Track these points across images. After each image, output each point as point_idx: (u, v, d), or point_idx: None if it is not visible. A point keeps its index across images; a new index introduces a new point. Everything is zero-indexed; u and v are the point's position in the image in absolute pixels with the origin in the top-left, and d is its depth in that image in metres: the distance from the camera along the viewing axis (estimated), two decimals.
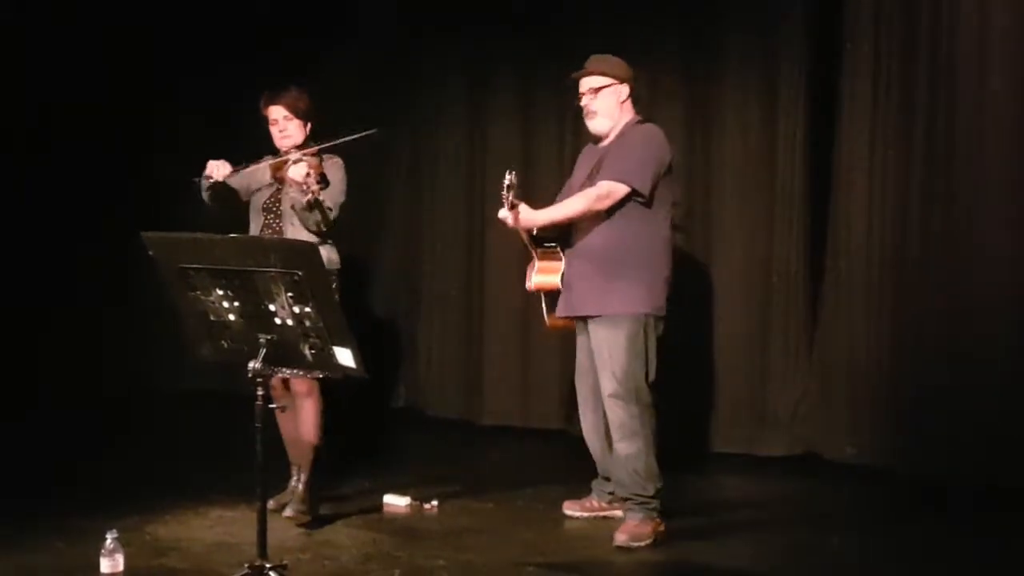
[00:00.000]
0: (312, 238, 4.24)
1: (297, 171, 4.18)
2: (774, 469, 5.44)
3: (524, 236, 4.32)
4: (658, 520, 4.21)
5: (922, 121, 5.14)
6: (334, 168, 4.42)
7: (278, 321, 3.16)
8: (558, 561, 3.97)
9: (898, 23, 5.23)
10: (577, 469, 4.75)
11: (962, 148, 5.00)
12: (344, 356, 3.13)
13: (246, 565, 3.29)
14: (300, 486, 4.50)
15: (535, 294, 4.48)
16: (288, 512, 4.40)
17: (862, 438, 5.36)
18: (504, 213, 4.13)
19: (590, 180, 4.24)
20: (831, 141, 5.49)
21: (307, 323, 3.12)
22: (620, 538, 4.12)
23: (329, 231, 4.36)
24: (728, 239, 5.74)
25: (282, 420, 4.48)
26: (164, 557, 3.89)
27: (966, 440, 4.88)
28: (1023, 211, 4.86)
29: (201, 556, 3.91)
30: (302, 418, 4.46)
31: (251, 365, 3.15)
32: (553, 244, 4.37)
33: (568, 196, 4.31)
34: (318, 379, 4.40)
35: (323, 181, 4.27)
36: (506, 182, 4.03)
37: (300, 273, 3.05)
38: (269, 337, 3.18)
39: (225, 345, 3.30)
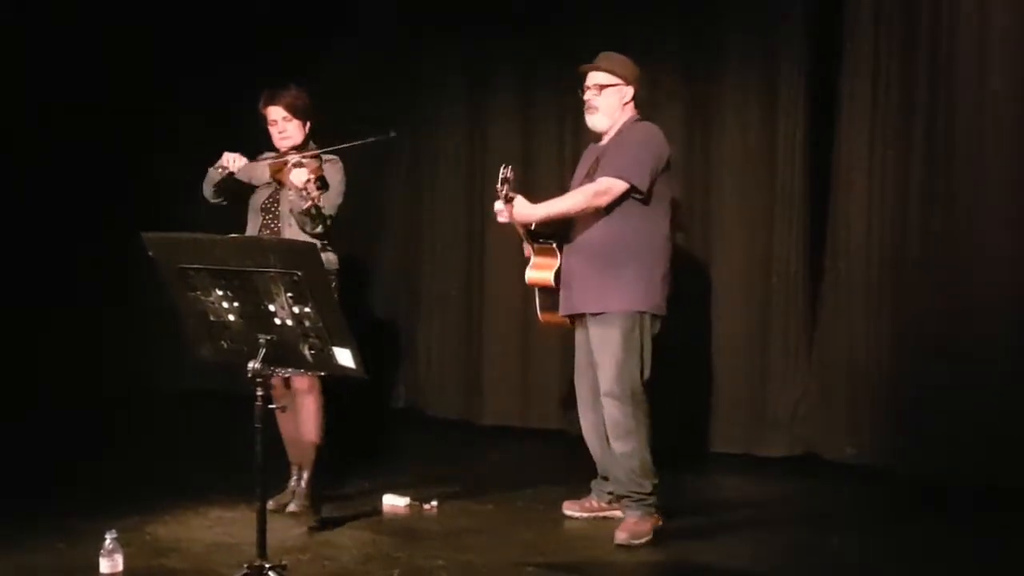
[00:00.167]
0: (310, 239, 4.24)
1: (298, 177, 4.17)
2: (774, 469, 5.44)
3: (521, 231, 4.31)
4: (656, 516, 4.22)
5: (922, 121, 5.14)
6: (333, 170, 4.41)
7: (278, 321, 3.16)
8: (558, 561, 3.96)
9: (898, 23, 5.23)
10: (577, 469, 4.75)
11: (962, 148, 5.00)
12: (344, 356, 3.13)
13: (245, 565, 3.29)
14: (303, 484, 4.51)
15: (531, 291, 4.48)
16: (293, 507, 4.42)
17: (862, 438, 5.36)
18: (500, 206, 4.13)
19: (589, 178, 4.25)
20: (831, 141, 5.49)
21: (307, 323, 3.12)
22: (620, 536, 4.12)
23: (326, 233, 4.36)
24: (728, 239, 5.74)
25: (282, 420, 4.48)
26: (164, 557, 3.89)
27: (966, 440, 4.88)
28: (1023, 211, 4.86)
29: (201, 556, 3.91)
30: (303, 417, 4.47)
31: (251, 365, 3.15)
32: (549, 240, 4.36)
33: None
34: (319, 377, 4.41)
35: (323, 186, 4.27)
36: (502, 175, 4.03)
37: (300, 273, 3.05)
38: (269, 337, 3.17)
39: (225, 345, 3.30)
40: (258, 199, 4.47)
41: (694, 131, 5.81)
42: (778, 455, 5.57)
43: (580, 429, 4.52)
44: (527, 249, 4.41)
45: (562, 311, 4.34)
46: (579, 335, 4.40)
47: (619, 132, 4.28)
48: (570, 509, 4.55)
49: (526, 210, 4.17)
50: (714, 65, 5.75)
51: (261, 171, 4.46)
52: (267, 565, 3.27)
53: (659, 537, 4.17)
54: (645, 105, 4.40)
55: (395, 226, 7.07)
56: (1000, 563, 4.02)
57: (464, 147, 6.64)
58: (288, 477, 4.59)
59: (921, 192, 5.17)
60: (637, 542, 4.11)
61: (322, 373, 4.26)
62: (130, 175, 7.16)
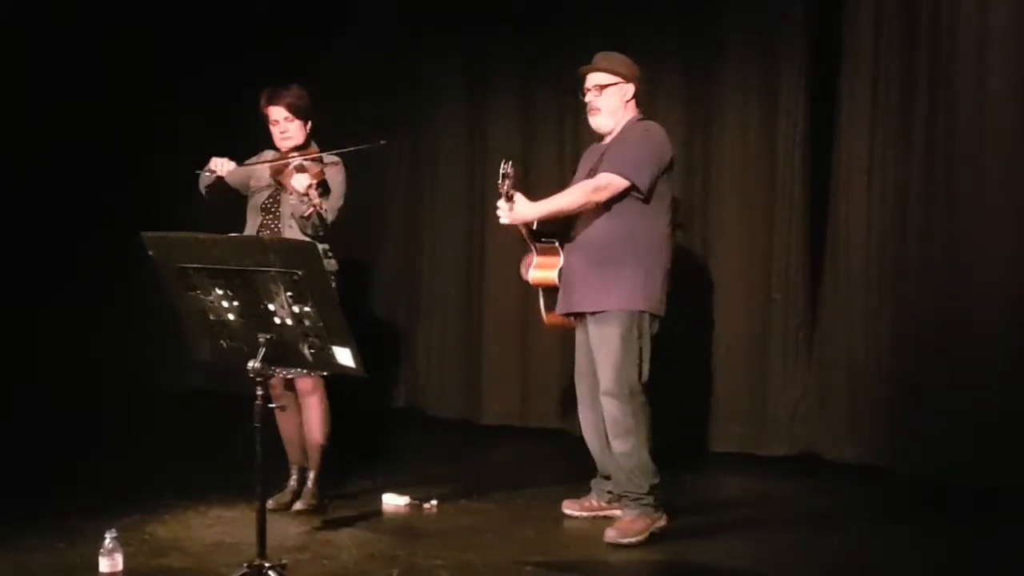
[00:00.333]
0: None
1: (300, 182, 4.16)
2: (774, 469, 5.43)
3: (523, 230, 4.29)
4: (656, 515, 4.21)
5: (922, 121, 5.14)
6: (334, 172, 4.40)
7: (277, 321, 3.16)
8: (557, 560, 3.96)
9: (898, 23, 5.23)
10: (577, 469, 4.75)
11: (962, 148, 5.00)
12: (344, 356, 3.13)
13: (245, 565, 3.29)
14: (310, 484, 4.51)
15: (534, 291, 4.47)
16: (299, 505, 4.43)
17: (862, 438, 5.35)
18: (502, 205, 4.11)
19: (590, 177, 4.24)
20: (831, 141, 5.49)
21: (306, 323, 3.12)
22: (610, 534, 4.12)
23: (327, 238, 4.35)
24: (727, 238, 5.74)
25: (281, 420, 4.48)
26: (163, 557, 3.88)
27: (966, 440, 4.88)
28: (1023, 211, 4.86)
29: (200, 556, 3.91)
30: (307, 418, 4.47)
31: (251, 365, 3.16)
32: (552, 239, 4.36)
33: None
34: (323, 377, 4.40)
35: (324, 190, 4.26)
36: (502, 171, 4.02)
37: (299, 273, 3.05)
38: (268, 337, 3.18)
39: (225, 345, 3.30)
40: (258, 199, 4.45)
41: (694, 131, 5.81)
42: (778, 455, 5.57)
43: (580, 429, 4.52)
44: (528, 257, 4.40)
45: (560, 310, 4.34)
46: (579, 335, 4.40)
47: (622, 131, 4.27)
48: (570, 508, 4.54)
49: (526, 208, 4.15)
50: (714, 65, 5.75)
51: (261, 171, 4.46)
52: (267, 564, 3.27)
53: (659, 537, 4.17)
54: (647, 103, 4.39)
55: (395, 226, 7.06)
56: (1000, 563, 4.01)
57: (464, 147, 6.64)
58: (288, 477, 4.59)
59: (921, 192, 5.17)
60: (626, 541, 4.09)
61: (323, 373, 4.26)
62: (130, 175, 7.16)
